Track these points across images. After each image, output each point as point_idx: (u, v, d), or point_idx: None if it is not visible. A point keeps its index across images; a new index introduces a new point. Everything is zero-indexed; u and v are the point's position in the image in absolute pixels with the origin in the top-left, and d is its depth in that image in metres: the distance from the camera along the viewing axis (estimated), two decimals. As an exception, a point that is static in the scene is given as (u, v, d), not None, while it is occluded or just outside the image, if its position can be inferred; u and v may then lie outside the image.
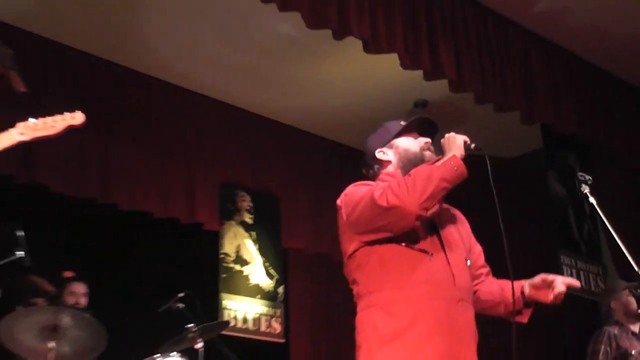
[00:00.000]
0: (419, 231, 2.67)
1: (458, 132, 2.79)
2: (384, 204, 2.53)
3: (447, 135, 2.78)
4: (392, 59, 5.12)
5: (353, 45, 5.04)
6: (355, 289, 2.77)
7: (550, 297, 2.65)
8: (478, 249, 2.97)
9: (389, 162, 2.88)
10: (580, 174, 3.03)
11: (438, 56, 5.22)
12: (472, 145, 2.76)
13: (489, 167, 2.72)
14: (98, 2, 5.39)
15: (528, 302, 2.76)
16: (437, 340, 2.55)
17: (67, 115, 2.56)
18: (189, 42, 5.89)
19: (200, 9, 5.45)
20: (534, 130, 6.35)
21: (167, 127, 6.33)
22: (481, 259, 2.96)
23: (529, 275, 2.81)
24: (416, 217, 2.55)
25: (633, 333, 5.06)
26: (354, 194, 2.77)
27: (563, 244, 6.22)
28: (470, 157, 2.71)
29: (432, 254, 2.67)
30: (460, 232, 2.86)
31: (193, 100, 6.56)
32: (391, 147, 2.90)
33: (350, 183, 2.94)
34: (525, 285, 2.75)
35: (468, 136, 2.80)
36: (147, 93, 6.27)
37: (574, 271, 6.18)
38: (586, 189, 2.97)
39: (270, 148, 7.02)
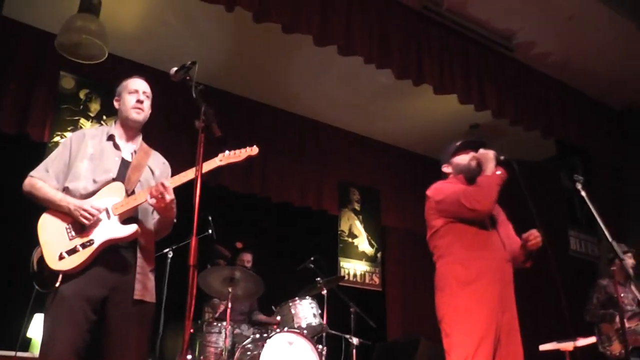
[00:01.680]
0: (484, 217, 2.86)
1: (488, 148, 2.95)
2: (469, 205, 2.76)
3: (481, 151, 2.94)
4: (454, 97, 5.15)
5: (427, 88, 5.06)
6: (438, 252, 2.91)
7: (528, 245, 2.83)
8: (510, 227, 3.08)
9: (450, 173, 3.08)
10: (575, 175, 3.04)
11: (484, 95, 5.26)
12: (501, 157, 2.90)
13: (516, 168, 2.84)
14: (260, 63, 5.59)
15: (527, 254, 2.88)
16: (496, 285, 2.74)
17: (248, 148, 2.58)
18: (321, 89, 6.02)
19: (328, 67, 5.58)
20: (550, 142, 6.21)
21: (303, 145, 6.46)
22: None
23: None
24: (488, 214, 2.82)
25: (621, 283, 4.87)
26: (442, 189, 2.96)
27: (570, 221, 6.07)
28: (499, 164, 2.87)
29: (490, 230, 2.86)
30: (502, 218, 3.01)
31: (321, 128, 6.67)
32: (450, 164, 3.09)
33: (425, 181, 3.14)
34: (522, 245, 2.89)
35: (501, 148, 2.98)
36: (291, 124, 6.41)
37: (577, 240, 6.05)
38: (579, 185, 2.99)
39: (372, 157, 7.04)
